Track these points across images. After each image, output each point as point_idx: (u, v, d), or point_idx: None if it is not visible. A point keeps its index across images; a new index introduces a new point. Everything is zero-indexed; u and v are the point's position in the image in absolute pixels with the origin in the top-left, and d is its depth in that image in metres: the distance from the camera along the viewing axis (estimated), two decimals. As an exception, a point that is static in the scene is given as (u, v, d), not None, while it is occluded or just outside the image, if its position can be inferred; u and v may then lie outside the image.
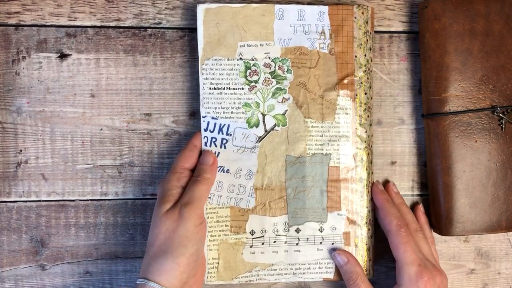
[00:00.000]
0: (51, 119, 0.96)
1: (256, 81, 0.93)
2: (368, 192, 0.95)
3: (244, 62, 0.93)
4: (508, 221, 0.95)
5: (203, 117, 0.93)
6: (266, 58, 0.93)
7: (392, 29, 0.99)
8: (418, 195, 1.01)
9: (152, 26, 0.97)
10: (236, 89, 0.93)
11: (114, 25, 0.96)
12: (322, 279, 0.95)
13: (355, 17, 0.94)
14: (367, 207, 0.95)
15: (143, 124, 0.97)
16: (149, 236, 0.87)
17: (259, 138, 0.93)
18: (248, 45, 0.93)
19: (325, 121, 0.94)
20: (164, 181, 0.89)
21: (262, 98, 0.93)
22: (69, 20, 0.96)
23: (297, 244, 0.95)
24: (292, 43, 0.94)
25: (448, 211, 0.95)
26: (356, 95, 0.94)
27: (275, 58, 0.93)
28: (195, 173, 0.90)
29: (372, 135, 0.96)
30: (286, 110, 0.94)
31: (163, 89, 0.97)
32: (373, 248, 0.96)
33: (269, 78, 0.93)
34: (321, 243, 0.95)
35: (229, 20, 0.93)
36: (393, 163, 1.00)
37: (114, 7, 0.96)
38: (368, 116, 0.95)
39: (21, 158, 0.96)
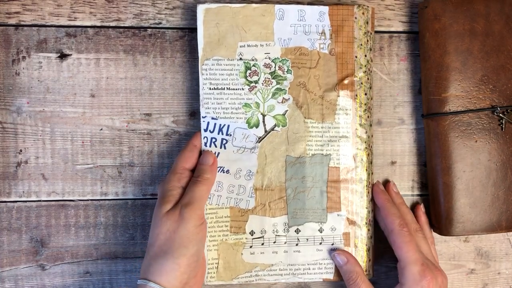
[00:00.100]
0: (51, 119, 0.96)
1: (256, 82, 0.93)
2: (368, 192, 0.95)
3: (244, 62, 0.93)
4: (508, 221, 0.95)
5: (203, 117, 0.93)
6: (266, 58, 0.93)
7: (392, 29, 0.99)
8: (418, 195, 1.01)
9: (152, 26, 0.97)
10: (236, 89, 0.93)
11: (114, 25, 0.96)
12: (321, 280, 0.95)
13: (356, 18, 0.94)
14: (367, 208, 0.95)
15: (143, 124, 0.97)
16: (149, 237, 0.87)
17: (259, 138, 0.93)
18: (248, 45, 0.93)
19: (325, 122, 0.94)
20: (165, 181, 0.89)
21: (262, 99, 0.93)
22: (69, 20, 0.96)
23: (296, 244, 0.95)
24: (292, 43, 0.94)
25: (448, 211, 0.95)
26: (356, 95, 0.94)
27: (275, 58, 0.93)
28: (195, 173, 0.90)
29: (372, 136, 0.96)
30: (286, 111, 0.94)
31: (163, 89, 0.97)
32: (373, 248, 0.96)
33: (269, 78, 0.93)
34: (320, 243, 0.95)
35: (229, 20, 0.92)
36: (393, 163, 1.00)
37: (114, 7, 0.96)
38: (368, 116, 0.95)
39: (21, 158, 0.96)
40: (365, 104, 0.94)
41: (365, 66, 0.94)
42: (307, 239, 0.95)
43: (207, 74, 0.93)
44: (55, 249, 0.97)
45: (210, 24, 0.92)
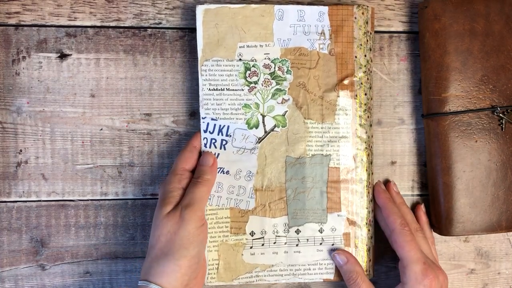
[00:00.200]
0: (51, 119, 0.96)
1: (255, 82, 0.93)
2: (368, 193, 0.95)
3: (244, 63, 0.93)
4: (508, 221, 0.95)
5: (202, 118, 0.93)
6: (265, 59, 0.93)
7: (392, 29, 0.99)
8: (418, 195, 1.01)
9: (152, 26, 0.97)
10: (236, 90, 0.93)
11: (114, 25, 0.96)
12: (322, 280, 0.95)
13: (355, 18, 0.94)
14: (367, 208, 0.95)
15: (143, 124, 0.97)
16: (150, 238, 0.87)
17: (258, 139, 0.93)
18: (248, 46, 0.93)
19: (325, 122, 0.94)
20: (165, 182, 0.90)
21: (261, 99, 0.93)
22: (69, 20, 0.96)
23: (297, 245, 0.95)
24: (291, 43, 0.93)
25: (448, 211, 0.95)
26: (356, 95, 0.94)
27: (274, 59, 0.93)
28: (195, 174, 0.90)
29: (372, 136, 0.96)
30: (286, 111, 0.93)
31: (163, 89, 0.97)
32: (373, 248, 0.96)
33: (268, 79, 0.93)
34: (321, 244, 0.95)
35: (228, 21, 0.92)
36: (393, 163, 1.00)
37: (114, 7, 0.96)
38: (368, 116, 0.95)
39: (21, 158, 0.96)
40: (365, 104, 0.94)
41: (365, 66, 0.94)
42: (307, 240, 0.95)
43: (206, 75, 0.93)
44: (55, 249, 0.97)
45: (209, 25, 0.92)
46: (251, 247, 0.94)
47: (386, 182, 0.99)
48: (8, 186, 0.96)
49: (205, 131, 0.93)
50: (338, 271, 0.95)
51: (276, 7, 0.93)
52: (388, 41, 0.99)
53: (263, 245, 0.94)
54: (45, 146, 0.96)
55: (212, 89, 0.93)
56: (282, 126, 0.94)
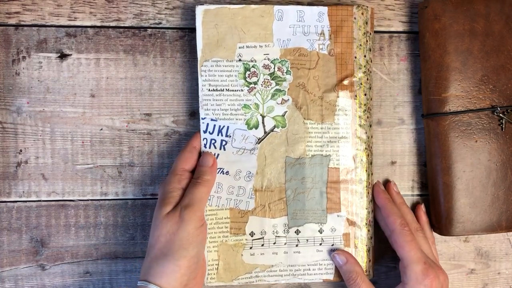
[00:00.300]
0: (51, 119, 0.96)
1: (255, 83, 0.93)
2: (368, 193, 0.95)
3: (243, 63, 0.93)
4: (508, 221, 0.95)
5: (202, 118, 0.93)
6: (265, 59, 0.93)
7: (392, 29, 0.99)
8: (418, 195, 1.01)
9: (152, 26, 0.97)
10: (235, 90, 0.93)
11: (114, 25, 0.96)
12: (321, 280, 0.95)
13: (355, 18, 0.94)
14: (367, 208, 0.95)
15: (143, 124, 0.97)
16: (149, 238, 0.87)
17: (258, 139, 0.93)
18: (247, 47, 0.93)
19: (324, 122, 0.94)
20: (165, 183, 0.90)
21: (261, 100, 0.93)
22: (69, 20, 0.96)
23: (296, 245, 0.95)
24: (291, 44, 0.93)
25: (448, 211, 0.95)
26: (356, 96, 0.94)
27: (274, 59, 0.93)
28: (195, 175, 0.90)
29: (372, 136, 0.96)
30: (286, 112, 0.93)
31: (163, 89, 0.97)
32: (373, 249, 0.96)
33: (268, 79, 0.93)
34: (320, 244, 0.95)
35: (228, 21, 0.92)
36: (393, 163, 1.00)
37: (114, 7, 0.96)
38: (368, 117, 0.95)
39: (21, 158, 0.96)
40: (364, 105, 0.94)
41: (364, 66, 0.94)
42: (307, 240, 0.95)
43: (206, 76, 0.93)
44: (55, 249, 0.97)
45: (209, 25, 0.92)
46: (250, 248, 0.94)
47: (386, 182, 0.99)
48: (8, 186, 0.96)
49: (204, 132, 0.93)
50: (337, 272, 0.95)
51: (276, 7, 0.93)
52: (388, 41, 0.99)
53: (262, 245, 0.94)
54: (45, 146, 0.96)
55: (211, 90, 0.93)
56: (282, 127, 0.94)
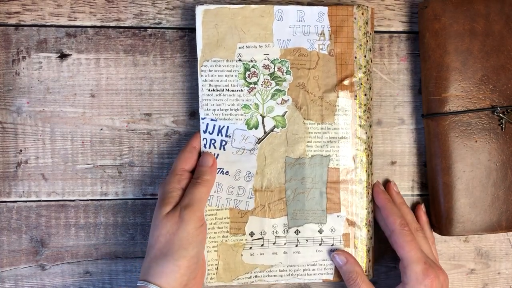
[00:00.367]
0: (51, 119, 0.96)
1: (255, 83, 0.93)
2: (368, 193, 0.95)
3: (243, 63, 0.93)
4: (508, 221, 0.95)
5: (202, 118, 0.93)
6: (265, 59, 0.93)
7: (392, 29, 0.99)
8: (418, 195, 1.01)
9: (152, 26, 0.97)
10: (235, 90, 0.93)
11: (114, 25, 0.96)
12: (321, 281, 0.95)
13: (355, 18, 0.93)
14: (366, 209, 0.95)
15: (143, 124, 0.97)
16: (149, 238, 0.87)
17: (258, 139, 0.93)
18: (247, 47, 0.93)
19: (324, 123, 0.94)
20: (164, 183, 0.90)
21: (261, 100, 0.93)
22: (69, 20, 0.96)
23: (296, 245, 0.95)
24: (291, 44, 0.93)
25: (448, 211, 0.95)
26: (356, 96, 0.94)
27: (274, 59, 0.93)
28: (194, 175, 0.90)
29: (372, 136, 0.96)
30: (286, 112, 0.93)
31: (163, 89, 0.97)
32: (373, 249, 0.96)
33: (268, 79, 0.93)
34: (320, 244, 0.95)
35: (228, 21, 0.92)
36: (393, 163, 1.00)
37: (114, 7, 0.96)
38: (368, 117, 0.95)
39: (21, 158, 0.96)
40: (364, 105, 0.94)
41: (364, 66, 0.94)
42: (306, 240, 0.95)
43: (206, 76, 0.93)
44: (55, 249, 0.97)
45: (209, 26, 0.92)
46: (250, 248, 0.94)
47: (386, 182, 0.99)
48: (8, 186, 0.96)
49: (204, 132, 0.93)
50: (337, 272, 0.95)
51: (276, 7, 0.93)
52: (388, 41, 0.99)
53: (262, 245, 0.94)
54: (45, 146, 0.96)
55: (211, 90, 0.93)
56: (282, 127, 0.94)
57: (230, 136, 0.93)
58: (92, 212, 0.97)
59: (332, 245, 0.95)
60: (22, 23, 0.95)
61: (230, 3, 0.95)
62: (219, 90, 0.93)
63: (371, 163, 0.96)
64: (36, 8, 0.95)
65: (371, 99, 0.95)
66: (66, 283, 0.98)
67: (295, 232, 0.94)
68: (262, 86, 0.93)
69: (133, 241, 0.98)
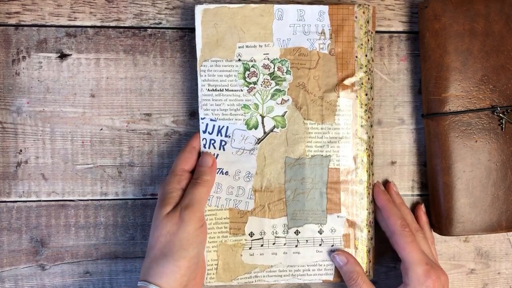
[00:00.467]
0: (51, 119, 0.96)
1: (255, 83, 0.93)
2: (369, 194, 0.95)
3: (243, 63, 0.93)
4: (508, 221, 0.95)
5: (201, 118, 0.93)
6: (265, 59, 0.93)
7: (392, 29, 0.99)
8: (418, 195, 1.00)
9: (152, 26, 0.96)
10: (235, 90, 0.93)
11: (114, 25, 0.96)
12: (321, 281, 0.95)
13: (356, 17, 0.93)
14: (367, 209, 0.95)
15: (143, 124, 0.97)
16: (149, 239, 0.87)
17: (258, 140, 0.93)
18: (247, 46, 0.93)
19: (325, 123, 0.94)
20: (164, 183, 0.90)
21: (261, 100, 0.93)
22: (69, 20, 0.96)
23: (296, 246, 0.95)
24: (291, 43, 0.93)
25: (448, 211, 0.95)
26: (357, 96, 0.94)
27: (274, 59, 0.93)
28: (194, 175, 0.90)
29: (373, 137, 0.96)
30: (286, 112, 0.93)
31: (163, 89, 0.97)
32: (373, 250, 0.96)
33: (268, 79, 0.93)
34: (320, 245, 0.95)
35: (227, 21, 0.92)
36: (393, 163, 1.00)
37: (114, 7, 0.96)
38: (369, 117, 0.94)
39: (21, 158, 0.96)
40: (365, 105, 0.94)
41: (365, 66, 0.94)
42: (306, 241, 0.94)
43: (205, 76, 0.92)
44: (55, 249, 0.97)
45: (208, 25, 0.92)
46: (250, 248, 0.94)
47: (386, 183, 0.99)
48: (8, 186, 0.96)
49: (204, 132, 0.93)
50: (337, 272, 0.95)
51: (276, 6, 0.93)
52: (388, 41, 0.99)
53: (262, 245, 0.94)
54: (45, 146, 0.96)
55: (211, 90, 0.93)
56: (282, 127, 0.93)
57: (229, 136, 0.93)
58: (92, 212, 0.97)
59: (332, 245, 0.95)
60: (22, 23, 0.95)
61: (229, 2, 0.95)
62: (218, 90, 0.92)
63: (372, 164, 0.95)
64: (36, 8, 0.95)
65: (372, 99, 0.95)
66: (66, 283, 0.98)
67: (295, 232, 0.94)
68: (261, 86, 0.93)
69: (133, 241, 0.98)
